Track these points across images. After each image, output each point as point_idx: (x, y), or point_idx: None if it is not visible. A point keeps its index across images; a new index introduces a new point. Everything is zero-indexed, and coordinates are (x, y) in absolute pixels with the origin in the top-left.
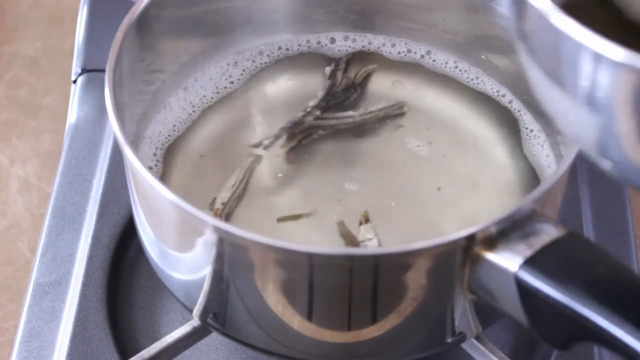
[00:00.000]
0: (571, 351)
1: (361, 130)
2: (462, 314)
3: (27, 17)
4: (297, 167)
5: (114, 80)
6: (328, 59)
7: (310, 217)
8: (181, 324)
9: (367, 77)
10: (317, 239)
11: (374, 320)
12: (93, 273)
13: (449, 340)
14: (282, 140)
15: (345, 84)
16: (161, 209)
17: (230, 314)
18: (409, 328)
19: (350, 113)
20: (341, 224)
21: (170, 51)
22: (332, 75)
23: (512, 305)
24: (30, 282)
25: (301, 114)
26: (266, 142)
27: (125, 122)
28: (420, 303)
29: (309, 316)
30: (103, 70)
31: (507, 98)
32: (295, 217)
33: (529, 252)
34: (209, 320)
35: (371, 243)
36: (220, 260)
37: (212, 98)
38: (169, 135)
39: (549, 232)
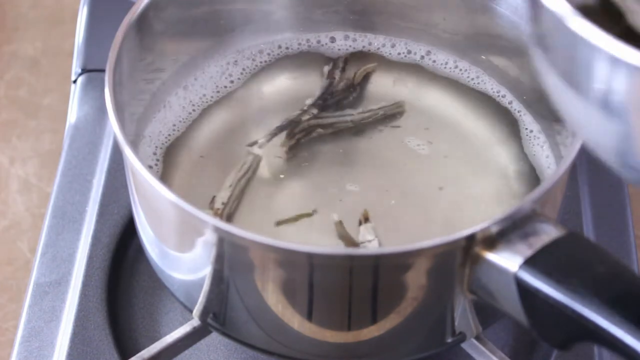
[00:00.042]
0: (571, 351)
1: (361, 130)
2: (462, 314)
3: (27, 17)
4: (296, 167)
5: (114, 80)
6: (328, 59)
7: (310, 218)
8: (181, 324)
9: (366, 76)
10: (317, 239)
11: (374, 320)
12: (93, 273)
13: (449, 340)
14: (278, 139)
15: (345, 84)
16: (161, 209)
17: (230, 314)
18: (409, 328)
19: (349, 112)
20: (339, 225)
21: (170, 51)
22: (330, 74)
23: (512, 305)
24: (30, 282)
25: (297, 112)
26: (262, 140)
27: (125, 122)
28: (420, 303)
29: (309, 316)
30: (103, 70)
31: (507, 98)
32: (295, 219)
33: (529, 252)
34: (209, 320)
35: (371, 245)
36: (220, 260)
37: (212, 97)
38: (169, 135)
39: (549, 232)
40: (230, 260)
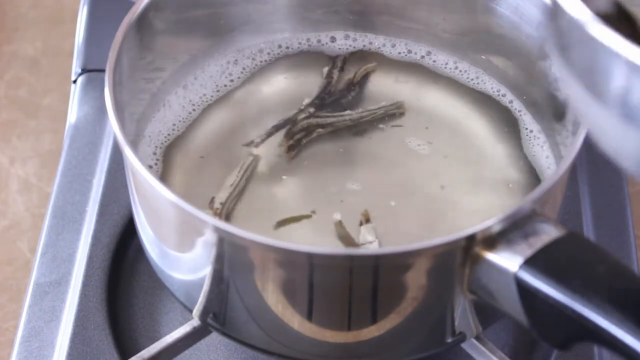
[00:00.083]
0: (571, 351)
1: (361, 130)
2: (462, 314)
3: (27, 17)
4: (296, 167)
5: (114, 80)
6: (328, 58)
7: (310, 218)
8: (181, 324)
9: (366, 76)
10: (317, 239)
11: (374, 320)
12: (93, 273)
13: (449, 340)
14: (275, 139)
15: (345, 83)
16: (161, 209)
17: (230, 314)
18: (409, 328)
19: (348, 112)
20: (339, 225)
21: (170, 50)
22: (329, 74)
23: (512, 305)
24: (30, 282)
25: (294, 112)
26: (257, 140)
27: (125, 122)
28: (420, 303)
29: (309, 316)
30: (103, 70)
31: (508, 98)
32: (295, 220)
33: (529, 252)
34: (209, 320)
35: (372, 246)
36: (220, 260)
37: (212, 96)
38: (169, 135)
39: (549, 232)
40: (230, 260)
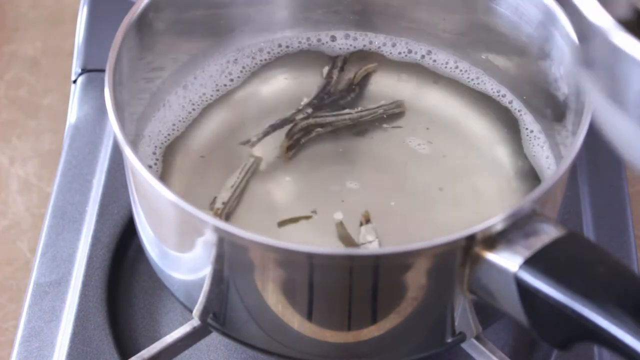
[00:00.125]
0: (571, 351)
1: (361, 129)
2: (462, 314)
3: (27, 17)
4: (297, 167)
5: (114, 80)
6: (328, 57)
7: (311, 219)
8: (181, 324)
9: (366, 76)
10: (318, 239)
11: (374, 320)
12: (93, 273)
13: (449, 340)
14: (273, 138)
15: (346, 84)
16: (161, 209)
17: (230, 314)
18: (409, 328)
19: (347, 111)
20: (340, 226)
21: (170, 50)
22: (329, 74)
23: (512, 305)
24: (30, 282)
25: (292, 111)
26: (254, 139)
27: (125, 122)
28: (420, 303)
29: (309, 316)
30: (103, 70)
31: (508, 98)
32: (295, 220)
33: (529, 252)
34: (209, 320)
35: (372, 246)
36: (220, 260)
37: (211, 96)
38: (169, 135)
39: (549, 232)
40: (230, 260)
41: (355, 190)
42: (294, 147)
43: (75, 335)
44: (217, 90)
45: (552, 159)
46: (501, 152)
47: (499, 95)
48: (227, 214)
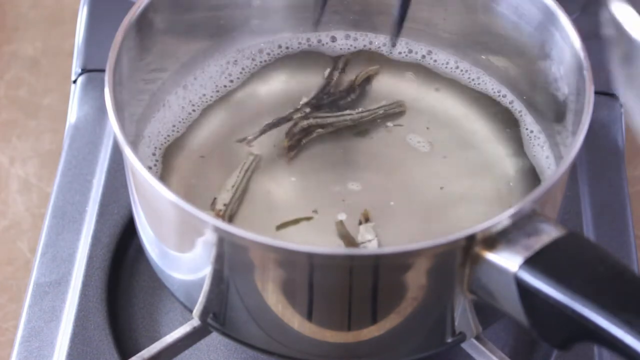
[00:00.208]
0: (571, 351)
1: (362, 130)
2: (462, 314)
3: (27, 17)
4: (298, 167)
5: (114, 80)
6: (329, 58)
7: (311, 220)
8: (181, 324)
9: (367, 78)
10: (318, 239)
11: (374, 320)
12: (93, 273)
13: (449, 340)
14: (272, 138)
15: (347, 85)
16: (161, 209)
17: (230, 314)
18: (409, 328)
19: (348, 111)
20: (340, 224)
21: (170, 51)
22: (330, 75)
23: (512, 305)
24: (30, 282)
25: (290, 111)
26: (250, 137)
27: (125, 122)
28: (420, 303)
29: (309, 316)
30: (103, 70)
31: (508, 98)
32: (296, 222)
33: (529, 252)
34: (209, 320)
35: (371, 245)
36: (220, 260)
37: (211, 97)
38: (168, 136)
39: (549, 232)
40: (230, 260)
41: (355, 190)
42: (294, 147)
43: (75, 335)
44: (217, 91)
45: (552, 159)
46: (501, 152)
47: (499, 95)
48: (230, 215)
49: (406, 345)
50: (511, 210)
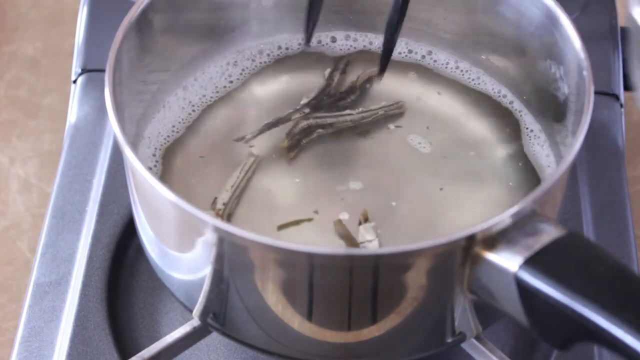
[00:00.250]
0: (571, 351)
1: (362, 130)
2: (462, 314)
3: (27, 17)
4: (298, 167)
5: (114, 80)
6: (329, 58)
7: (312, 220)
8: (181, 324)
9: (368, 79)
10: (319, 239)
11: (374, 320)
12: (93, 273)
13: (449, 340)
14: (271, 138)
15: (347, 86)
16: (161, 209)
17: (230, 314)
18: (409, 328)
19: (349, 112)
20: (338, 224)
21: (170, 51)
22: (330, 76)
23: (512, 305)
24: (30, 282)
25: (289, 111)
26: (248, 136)
27: (125, 122)
28: (420, 303)
29: (309, 316)
30: (103, 70)
31: (508, 98)
32: (295, 223)
33: (529, 252)
34: (209, 320)
35: (371, 245)
36: (220, 260)
37: (211, 97)
38: (168, 136)
39: (549, 232)
40: (230, 260)
41: (356, 190)
42: (294, 147)
43: (75, 335)
44: (217, 92)
45: (552, 158)
46: (501, 152)
47: (499, 96)
48: (228, 215)
49: (406, 345)
50: (511, 210)
